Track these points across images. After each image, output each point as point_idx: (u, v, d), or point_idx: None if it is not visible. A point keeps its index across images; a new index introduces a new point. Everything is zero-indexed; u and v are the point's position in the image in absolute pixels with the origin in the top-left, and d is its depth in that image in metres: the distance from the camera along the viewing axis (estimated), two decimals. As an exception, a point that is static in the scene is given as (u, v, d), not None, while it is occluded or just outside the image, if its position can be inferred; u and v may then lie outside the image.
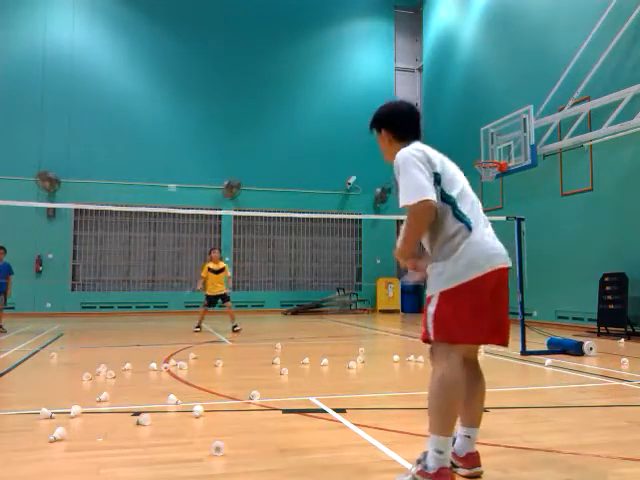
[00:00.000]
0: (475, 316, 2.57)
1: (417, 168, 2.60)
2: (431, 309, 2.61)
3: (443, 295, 2.58)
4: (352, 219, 17.97)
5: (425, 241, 2.75)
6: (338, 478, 2.81)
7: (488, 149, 12.33)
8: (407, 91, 19.45)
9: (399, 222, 18.71)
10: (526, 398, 4.80)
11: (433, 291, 2.63)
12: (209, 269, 10.94)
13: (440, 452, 2.51)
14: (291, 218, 17.30)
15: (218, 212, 15.68)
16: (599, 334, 10.00)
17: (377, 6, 19.05)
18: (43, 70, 15.85)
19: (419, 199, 2.52)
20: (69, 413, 3.96)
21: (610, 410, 4.35)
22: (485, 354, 7.30)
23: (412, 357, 6.69)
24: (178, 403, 4.35)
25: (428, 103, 18.42)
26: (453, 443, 2.81)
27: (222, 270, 11.02)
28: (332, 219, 17.70)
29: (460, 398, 2.57)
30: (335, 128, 17.85)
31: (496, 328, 2.67)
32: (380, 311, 17.50)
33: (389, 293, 17.69)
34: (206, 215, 16.82)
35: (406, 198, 2.56)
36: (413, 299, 17.96)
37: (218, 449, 3.11)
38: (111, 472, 2.89)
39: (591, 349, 7.21)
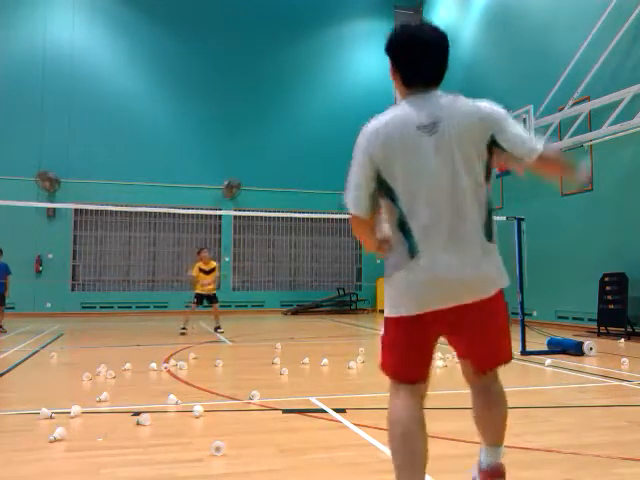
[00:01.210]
0: (395, 352, 2.16)
1: (357, 165, 2.13)
2: (381, 335, 2.22)
3: (385, 321, 2.18)
4: (352, 219, 17.94)
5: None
6: (338, 478, 2.82)
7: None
8: (407, 91, 19.46)
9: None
10: (526, 398, 4.80)
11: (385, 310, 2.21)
12: (200, 269, 10.84)
13: None
14: (291, 218, 17.30)
15: (218, 212, 15.67)
16: (599, 334, 10.00)
17: (377, 6, 19.05)
18: (43, 70, 15.85)
19: (350, 211, 2.14)
20: (69, 413, 3.96)
21: (610, 410, 4.35)
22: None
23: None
24: (178, 403, 4.35)
25: (428, 103, 18.39)
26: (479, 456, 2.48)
27: (213, 270, 10.89)
28: (332, 219, 17.69)
29: (406, 443, 2.06)
30: (335, 128, 17.82)
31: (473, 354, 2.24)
32: (380, 311, 17.49)
33: (389, 293, 17.67)
34: (206, 215, 16.81)
35: (345, 198, 2.16)
36: (413, 299, 17.95)
37: (218, 449, 3.11)
38: (111, 472, 2.89)
39: (591, 349, 7.21)
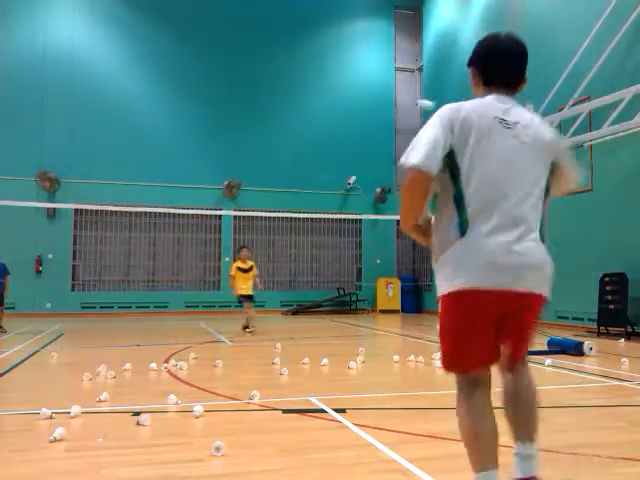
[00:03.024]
0: (464, 339, 2.15)
1: (438, 126, 2.15)
2: (438, 330, 2.23)
3: (441, 302, 2.20)
4: (352, 219, 17.97)
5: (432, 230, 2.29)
6: (338, 478, 2.81)
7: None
8: (407, 91, 19.48)
9: (399, 222, 18.69)
10: (526, 398, 4.79)
11: (439, 293, 2.22)
12: (238, 268, 10.78)
13: None
14: (291, 218, 17.31)
15: (218, 212, 15.69)
16: (599, 334, 9.99)
17: (377, 6, 19.05)
18: (43, 70, 15.85)
19: (412, 164, 2.09)
20: (69, 413, 3.96)
21: (610, 410, 4.35)
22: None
23: (412, 357, 6.69)
24: (178, 403, 4.34)
25: (428, 103, 18.41)
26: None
27: (250, 269, 10.85)
28: (332, 219, 17.70)
29: (478, 432, 2.14)
30: (335, 128, 17.86)
31: (495, 353, 2.24)
32: (380, 311, 17.50)
33: (389, 293, 17.69)
34: (206, 215, 16.81)
35: (404, 157, 2.14)
36: (413, 299, 17.97)
37: (218, 449, 3.11)
38: (111, 472, 2.89)
39: (591, 349, 7.21)
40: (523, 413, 2.28)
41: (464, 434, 2.17)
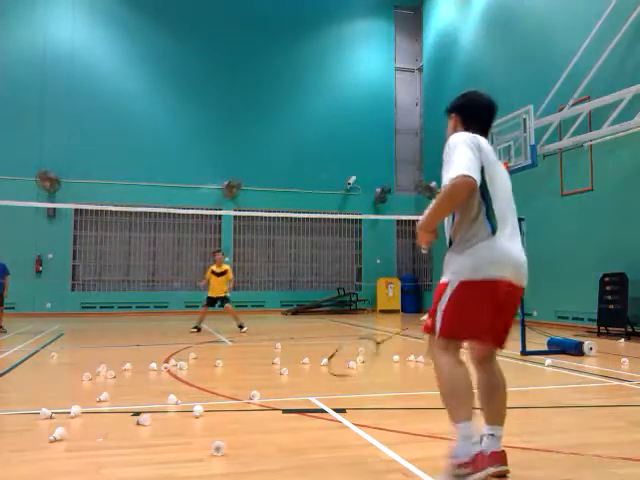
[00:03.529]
0: (474, 316, 2.61)
1: (469, 148, 2.61)
2: (442, 305, 2.65)
3: (458, 287, 2.61)
4: (352, 219, 17.97)
5: (448, 226, 2.77)
6: (338, 478, 2.81)
7: (488, 149, 12.31)
8: (407, 91, 19.47)
9: (399, 222, 18.74)
10: (526, 398, 4.80)
11: (447, 278, 2.67)
12: (212, 271, 10.98)
13: (468, 437, 2.53)
14: (291, 218, 17.31)
15: (218, 212, 15.70)
16: (599, 334, 9.99)
17: (377, 6, 19.05)
18: (43, 70, 15.85)
19: (461, 172, 2.51)
20: (69, 413, 3.96)
21: (610, 410, 4.35)
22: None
23: (412, 357, 6.69)
24: (178, 403, 4.34)
25: (428, 103, 18.42)
26: (480, 441, 2.82)
27: (224, 273, 11.03)
28: (332, 219, 17.70)
29: (466, 384, 2.59)
30: (335, 128, 17.86)
31: (492, 333, 2.72)
32: (380, 311, 17.50)
33: (389, 293, 17.69)
34: (206, 215, 16.82)
35: (452, 172, 2.55)
36: (413, 299, 17.96)
37: (218, 449, 3.11)
38: (111, 472, 2.89)
39: (591, 349, 7.21)
40: (500, 402, 2.81)
41: (452, 386, 2.58)
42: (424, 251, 2.92)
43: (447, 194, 2.55)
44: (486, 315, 2.62)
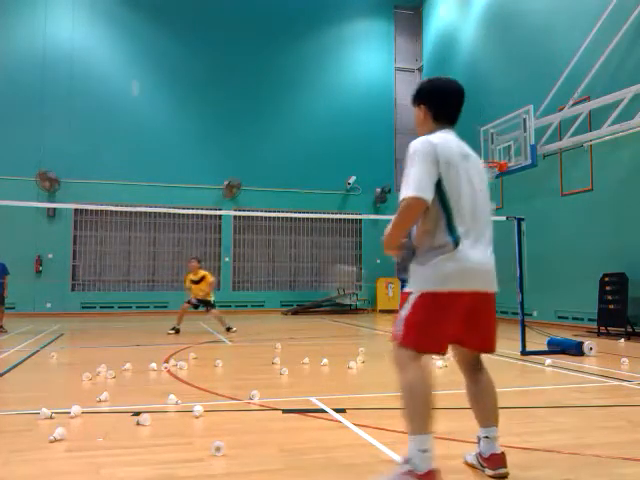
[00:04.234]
0: (435, 328, 2.58)
1: (423, 161, 2.56)
2: (404, 312, 2.63)
3: (419, 297, 2.60)
4: (352, 219, 17.98)
5: (413, 236, 2.75)
6: (338, 478, 2.82)
7: (488, 149, 12.34)
8: (407, 91, 19.46)
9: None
10: (526, 398, 4.80)
11: (410, 287, 2.66)
12: (191, 280, 10.85)
13: (424, 450, 2.49)
14: (291, 218, 17.30)
15: (218, 212, 15.69)
16: (599, 334, 10.00)
17: (377, 6, 19.05)
18: (43, 70, 15.85)
19: (412, 194, 2.50)
20: (69, 413, 3.96)
21: (610, 410, 4.35)
22: (485, 354, 7.29)
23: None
24: (178, 403, 4.35)
25: (428, 103, 18.40)
26: (478, 444, 2.88)
27: (202, 279, 10.80)
28: (332, 219, 17.70)
29: (426, 397, 2.55)
30: (335, 128, 17.86)
31: (469, 342, 2.74)
32: (380, 311, 17.50)
33: (389, 293, 17.69)
34: (206, 215, 16.82)
35: (404, 190, 2.54)
36: (413, 299, 17.94)
37: (218, 449, 3.11)
38: (111, 472, 2.89)
39: (591, 349, 7.21)
40: (490, 404, 2.81)
41: (416, 397, 2.53)
42: (397, 259, 2.85)
43: (401, 214, 2.56)
44: (450, 327, 2.60)
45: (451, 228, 2.60)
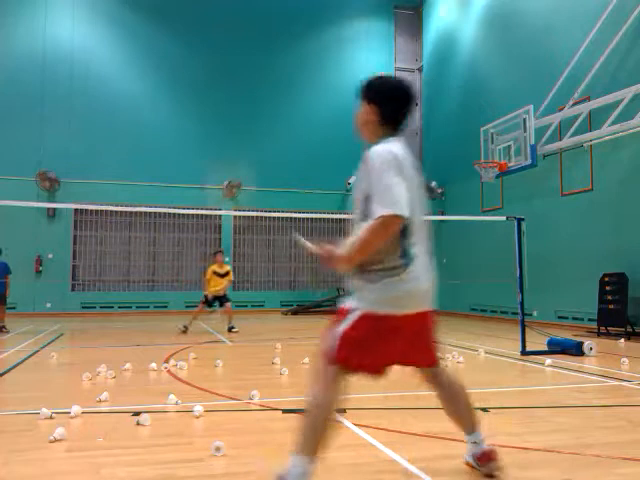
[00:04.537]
0: (375, 349, 2.44)
1: (398, 175, 2.35)
2: (342, 328, 2.45)
3: (363, 316, 2.43)
4: (352, 219, 17.94)
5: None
6: (338, 478, 2.82)
7: (488, 149, 12.34)
8: (407, 91, 19.47)
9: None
10: (526, 398, 4.80)
11: (353, 304, 2.48)
12: (214, 272, 10.87)
13: (301, 474, 2.38)
14: (291, 218, 17.29)
15: (218, 212, 15.68)
16: (599, 334, 10.00)
17: (377, 6, 19.05)
18: (43, 70, 15.85)
19: (393, 211, 2.27)
20: (69, 413, 3.96)
21: (610, 410, 4.35)
22: (485, 354, 7.30)
23: (412, 357, 6.68)
24: (178, 403, 4.35)
25: (428, 103, 18.42)
26: (468, 447, 2.87)
27: (227, 274, 10.97)
28: (332, 219, 17.69)
29: (329, 424, 2.45)
30: (335, 128, 17.83)
31: (409, 360, 2.62)
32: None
33: (389, 293, 17.67)
34: (206, 215, 16.81)
35: (383, 206, 2.28)
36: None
37: (218, 449, 3.11)
38: (111, 472, 2.89)
39: (591, 349, 7.21)
40: (465, 409, 2.74)
41: (323, 420, 2.41)
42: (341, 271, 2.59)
43: (374, 232, 2.30)
44: (392, 348, 2.47)
45: (405, 249, 2.44)
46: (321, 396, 2.45)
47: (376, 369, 2.51)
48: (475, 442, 2.78)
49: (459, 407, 2.76)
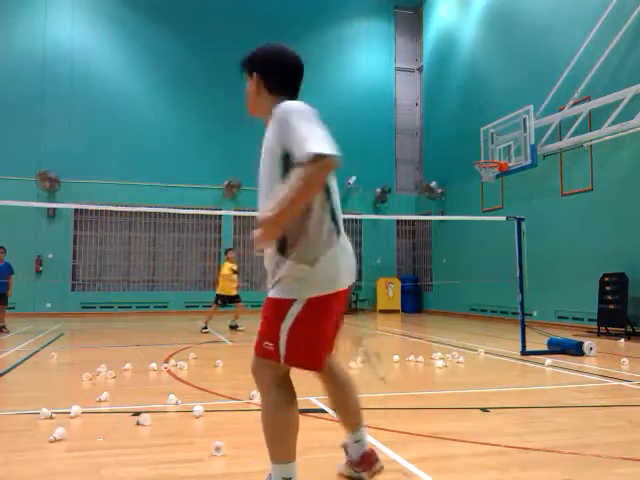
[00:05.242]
0: (323, 340, 2.26)
1: (317, 121, 2.16)
2: (285, 326, 2.19)
3: (306, 305, 2.17)
4: (352, 219, 17.96)
5: (287, 228, 2.15)
6: (338, 478, 2.81)
7: (488, 149, 12.34)
8: (407, 91, 19.47)
9: (399, 222, 18.74)
10: (526, 398, 4.80)
11: (294, 295, 2.19)
12: (231, 270, 10.96)
13: (289, 479, 2.31)
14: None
15: (218, 212, 15.67)
16: (599, 334, 10.00)
17: (377, 6, 19.05)
18: (43, 70, 15.85)
19: (328, 152, 2.00)
20: (69, 413, 3.96)
21: (610, 410, 4.35)
22: (485, 354, 7.30)
23: (412, 357, 6.69)
24: (178, 403, 4.35)
25: (428, 103, 18.42)
26: (346, 452, 2.69)
27: (237, 271, 11.16)
28: (332, 219, 17.67)
29: (294, 424, 2.35)
30: (335, 128, 17.66)
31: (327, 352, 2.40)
32: (380, 311, 17.50)
33: (389, 293, 17.69)
34: (206, 215, 16.81)
35: (316, 145, 2.00)
36: (413, 299, 17.96)
37: (218, 449, 3.11)
38: (111, 472, 2.89)
39: (591, 349, 7.21)
40: (353, 401, 2.56)
41: (282, 425, 2.28)
42: (258, 254, 2.33)
43: (312, 176, 2.00)
44: (331, 330, 2.30)
45: (333, 216, 2.24)
46: (271, 404, 2.30)
47: (322, 363, 2.34)
48: (359, 441, 2.62)
49: (347, 398, 2.56)
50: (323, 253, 2.18)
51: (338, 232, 2.24)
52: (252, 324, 12.66)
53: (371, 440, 3.39)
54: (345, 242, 2.28)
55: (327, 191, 2.25)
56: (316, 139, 2.03)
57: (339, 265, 2.22)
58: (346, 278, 2.27)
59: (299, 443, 3.42)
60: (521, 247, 7.66)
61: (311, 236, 2.18)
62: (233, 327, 10.60)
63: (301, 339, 2.19)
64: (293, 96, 2.44)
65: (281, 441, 2.29)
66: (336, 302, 2.24)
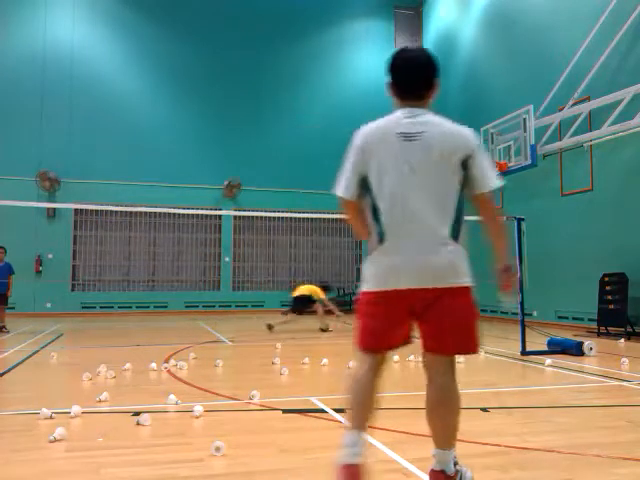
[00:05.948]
0: (373, 327, 2.48)
1: (349, 159, 2.57)
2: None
3: (360, 297, 2.54)
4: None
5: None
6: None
7: (488, 149, 12.33)
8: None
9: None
10: (526, 398, 4.80)
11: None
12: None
13: (346, 445, 2.36)
14: (291, 218, 17.29)
15: (218, 212, 15.68)
16: (599, 334, 10.00)
17: (377, 6, 19.05)
18: (43, 70, 15.85)
19: (337, 194, 2.53)
20: (69, 413, 3.96)
21: (610, 410, 4.35)
22: (485, 354, 7.30)
23: (412, 357, 6.69)
24: (178, 403, 4.35)
25: (428, 103, 18.41)
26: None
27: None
28: (332, 219, 17.68)
29: (359, 399, 2.44)
30: (335, 128, 17.81)
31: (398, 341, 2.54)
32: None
33: (389, 293, 17.66)
34: (206, 215, 16.81)
35: (336, 187, 2.57)
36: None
37: (218, 449, 3.11)
38: (111, 472, 2.89)
39: (591, 349, 7.21)
40: (438, 421, 2.49)
41: (349, 396, 2.45)
42: None
43: (344, 214, 2.59)
44: (387, 325, 2.46)
45: (378, 224, 2.45)
46: (350, 377, 2.52)
47: (375, 343, 2.50)
48: (434, 456, 2.52)
49: (434, 416, 2.51)
50: (369, 257, 2.52)
51: (381, 240, 2.44)
52: (248, 324, 12.65)
53: (371, 440, 3.39)
54: (389, 250, 2.43)
55: (374, 205, 2.48)
56: (338, 179, 2.54)
57: (375, 269, 2.47)
58: (383, 282, 2.43)
59: (300, 443, 3.43)
60: (521, 247, 7.66)
61: (368, 243, 2.54)
62: (325, 329, 10.93)
63: (357, 325, 2.53)
64: (405, 97, 2.62)
65: (349, 410, 2.45)
66: (381, 301, 2.43)
